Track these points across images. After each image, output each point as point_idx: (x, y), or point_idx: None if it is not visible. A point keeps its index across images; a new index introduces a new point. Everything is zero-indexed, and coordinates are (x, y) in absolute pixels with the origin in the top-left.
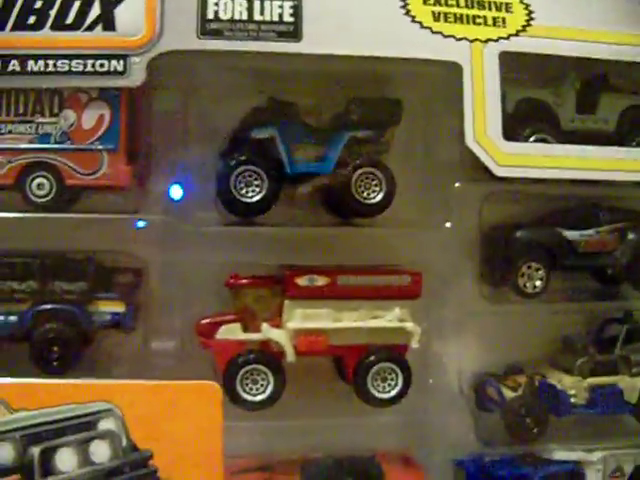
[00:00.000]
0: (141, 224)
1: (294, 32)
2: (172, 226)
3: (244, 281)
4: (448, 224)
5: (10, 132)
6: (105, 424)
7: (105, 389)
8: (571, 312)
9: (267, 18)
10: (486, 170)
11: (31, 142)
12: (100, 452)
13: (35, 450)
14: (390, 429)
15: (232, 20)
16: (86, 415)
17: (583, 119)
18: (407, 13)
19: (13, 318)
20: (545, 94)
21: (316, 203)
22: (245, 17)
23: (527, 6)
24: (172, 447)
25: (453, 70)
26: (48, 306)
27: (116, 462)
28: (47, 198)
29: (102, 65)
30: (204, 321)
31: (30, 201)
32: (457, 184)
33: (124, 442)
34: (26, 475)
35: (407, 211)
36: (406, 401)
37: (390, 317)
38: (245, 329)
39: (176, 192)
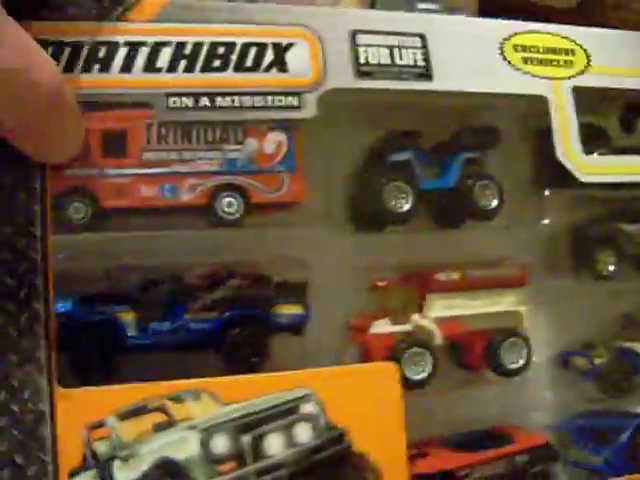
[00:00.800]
0: None
1: (427, 74)
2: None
3: (387, 282)
4: (545, 221)
5: (201, 158)
6: (306, 408)
7: (301, 377)
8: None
9: (405, 62)
10: (566, 179)
11: (220, 166)
12: (303, 433)
13: (246, 438)
14: (492, 402)
15: (379, 64)
16: (289, 401)
17: (625, 137)
18: (504, 59)
19: (208, 325)
20: (598, 119)
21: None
22: (389, 62)
23: (586, 51)
24: (359, 425)
25: (536, 103)
26: (238, 312)
27: (318, 441)
28: (235, 216)
29: (280, 100)
30: (357, 320)
31: (220, 218)
32: (546, 191)
33: (322, 422)
34: (239, 462)
35: (508, 214)
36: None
37: (507, 303)
38: (395, 323)
39: None
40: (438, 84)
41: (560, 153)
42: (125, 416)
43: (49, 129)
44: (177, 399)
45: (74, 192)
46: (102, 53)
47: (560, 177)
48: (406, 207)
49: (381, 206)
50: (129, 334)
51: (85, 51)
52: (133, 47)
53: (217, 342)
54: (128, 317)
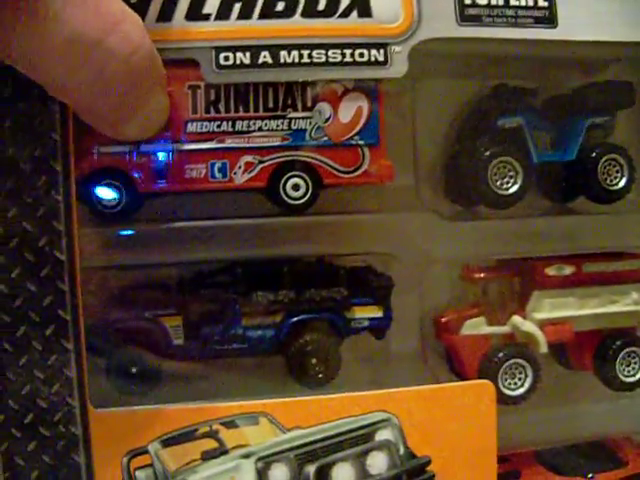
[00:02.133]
0: None
1: (549, 18)
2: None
3: (484, 273)
4: None
5: (260, 129)
6: (382, 434)
7: (381, 399)
8: None
9: (522, 3)
10: None
11: (284, 140)
12: (377, 463)
13: (311, 468)
14: (609, 415)
15: (489, 5)
16: (363, 427)
17: None
18: None
19: (269, 332)
20: None
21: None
22: (502, 2)
23: None
24: (448, 449)
25: None
26: (306, 316)
27: (393, 472)
28: (303, 200)
29: (361, 55)
30: (446, 317)
31: (284, 203)
32: None
33: (401, 450)
34: None
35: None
36: None
37: (628, 301)
38: (491, 323)
39: None
40: (564, 31)
41: None
42: (170, 442)
43: (130, 104)
44: (230, 424)
45: (104, 174)
46: None
47: None
48: (514, 188)
49: (483, 187)
50: (175, 342)
51: None
52: None
53: (280, 352)
54: (173, 322)
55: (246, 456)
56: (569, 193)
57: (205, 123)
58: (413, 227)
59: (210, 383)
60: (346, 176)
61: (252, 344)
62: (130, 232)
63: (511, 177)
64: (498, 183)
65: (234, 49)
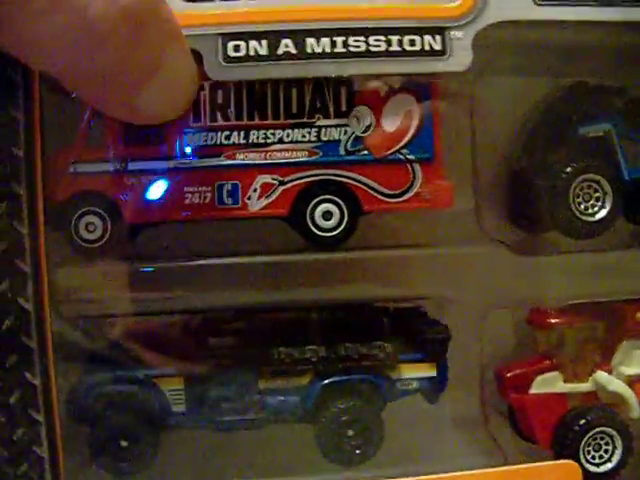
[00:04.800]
0: None
1: None
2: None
3: (560, 318)
4: None
5: (281, 141)
6: None
7: None
8: None
9: None
10: None
11: (312, 154)
12: None
13: None
14: None
15: None
16: None
17: None
18: None
19: (293, 397)
20: None
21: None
22: None
23: None
24: None
25: None
26: (340, 378)
27: None
28: (336, 231)
29: (412, 42)
30: (512, 372)
31: (313, 235)
32: None
33: None
34: None
35: None
36: None
37: None
38: (568, 379)
39: None
40: None
41: None
42: None
43: (137, 64)
44: None
45: (85, 200)
46: None
47: None
48: (602, 213)
49: (563, 211)
50: (174, 410)
51: None
52: None
53: (308, 421)
54: (172, 384)
55: None
56: None
57: (211, 134)
58: (473, 262)
59: (219, 461)
60: (392, 200)
61: (272, 412)
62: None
63: (598, 199)
64: (582, 207)
65: (246, 36)
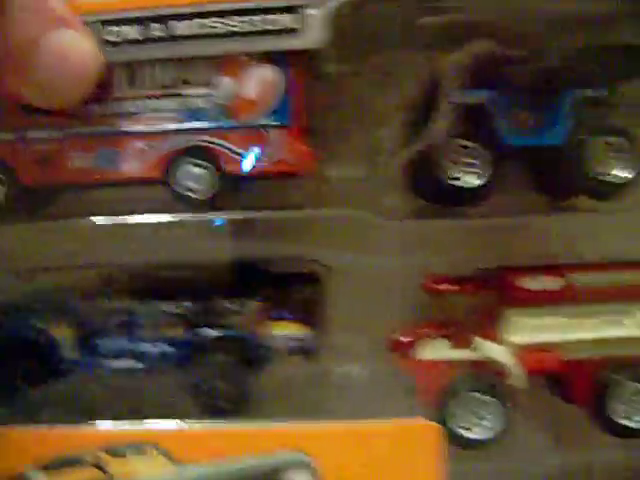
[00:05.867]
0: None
1: None
2: (357, 221)
3: (450, 285)
4: None
5: (152, 110)
6: (295, 478)
7: (293, 435)
8: None
9: None
10: None
11: (179, 121)
12: None
13: None
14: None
15: None
16: (269, 468)
17: None
18: None
19: (166, 348)
20: None
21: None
22: None
23: None
24: None
25: None
26: (210, 333)
27: None
28: (203, 192)
29: (268, 21)
30: (401, 337)
31: (181, 197)
32: None
33: None
34: None
35: None
36: None
37: (636, 323)
38: (455, 345)
39: None
40: None
41: None
42: (51, 468)
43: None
44: (116, 452)
45: None
46: None
47: None
48: (477, 181)
49: (439, 178)
50: (65, 355)
51: None
52: None
53: (183, 371)
54: (64, 334)
55: None
56: (557, 186)
57: (93, 106)
58: (361, 228)
59: (101, 405)
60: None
61: (149, 362)
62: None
63: (472, 165)
64: (456, 174)
65: (121, 22)
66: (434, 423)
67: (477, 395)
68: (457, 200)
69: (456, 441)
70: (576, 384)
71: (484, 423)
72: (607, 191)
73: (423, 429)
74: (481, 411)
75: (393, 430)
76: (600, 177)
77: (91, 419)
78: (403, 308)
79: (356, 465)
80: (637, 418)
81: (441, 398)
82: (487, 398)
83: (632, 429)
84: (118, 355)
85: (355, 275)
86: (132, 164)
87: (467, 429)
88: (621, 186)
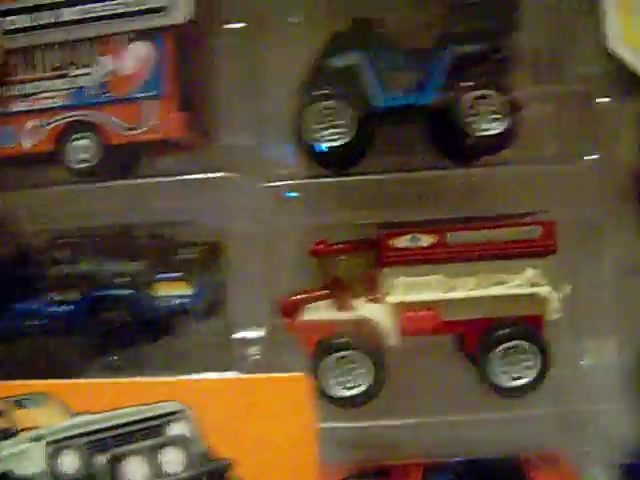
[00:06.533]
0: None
1: None
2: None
3: (332, 247)
4: (594, 156)
5: (45, 90)
6: (176, 428)
7: (175, 387)
8: None
9: None
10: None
11: (66, 99)
12: (173, 461)
13: (101, 459)
14: (532, 425)
15: None
16: (154, 418)
17: None
18: None
19: (66, 307)
20: None
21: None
22: None
23: None
24: (257, 453)
25: None
26: (104, 292)
27: (191, 472)
28: (91, 163)
29: (141, 2)
30: (287, 299)
31: (72, 168)
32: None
33: (198, 449)
34: None
35: (537, 144)
36: (552, 389)
37: (519, 281)
38: (339, 307)
39: None
40: None
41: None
42: None
43: None
44: (19, 404)
45: None
46: None
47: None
48: (341, 141)
49: (305, 140)
50: None
51: None
52: None
53: (81, 329)
54: None
55: (36, 439)
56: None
57: None
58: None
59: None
60: (131, 133)
61: (52, 321)
62: None
63: (341, 126)
64: (317, 135)
65: (17, 12)
66: (304, 375)
67: (346, 353)
68: (328, 161)
69: (329, 399)
70: (469, 343)
71: (355, 383)
72: (484, 145)
73: (294, 380)
74: (352, 369)
75: (267, 382)
76: (473, 132)
77: None
78: (294, 272)
79: (234, 415)
80: (516, 378)
81: (315, 357)
82: (357, 355)
83: (516, 388)
84: (26, 316)
85: (248, 240)
86: (30, 140)
87: (341, 387)
88: (495, 141)
